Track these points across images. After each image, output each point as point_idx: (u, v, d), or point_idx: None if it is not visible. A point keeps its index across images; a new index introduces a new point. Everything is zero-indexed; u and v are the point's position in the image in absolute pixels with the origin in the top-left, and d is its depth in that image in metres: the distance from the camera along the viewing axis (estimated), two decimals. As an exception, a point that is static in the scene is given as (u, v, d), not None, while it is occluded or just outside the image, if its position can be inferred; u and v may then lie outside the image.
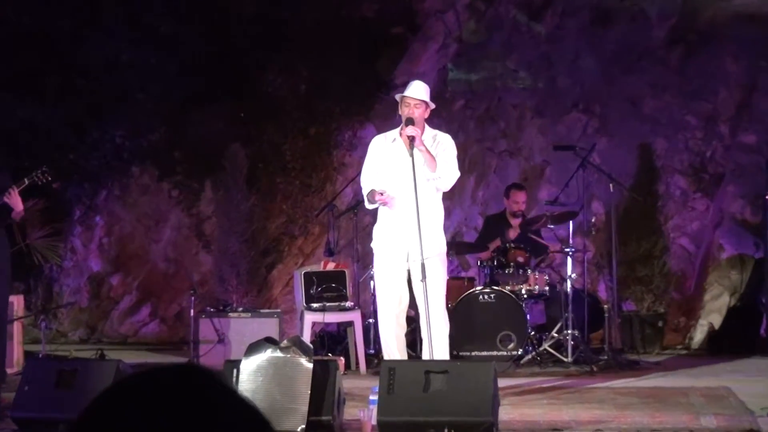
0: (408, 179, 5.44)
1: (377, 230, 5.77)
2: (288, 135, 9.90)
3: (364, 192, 5.75)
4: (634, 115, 9.33)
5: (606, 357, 7.28)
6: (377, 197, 5.59)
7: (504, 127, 9.67)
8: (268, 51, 9.90)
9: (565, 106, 9.56)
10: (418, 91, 5.64)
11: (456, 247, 8.00)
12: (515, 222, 8.18)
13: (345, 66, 9.77)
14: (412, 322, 7.60)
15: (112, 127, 9.92)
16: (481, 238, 8.31)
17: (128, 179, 10.03)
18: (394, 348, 5.62)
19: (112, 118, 9.87)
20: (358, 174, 8.71)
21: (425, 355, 5.54)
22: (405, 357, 5.75)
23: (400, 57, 9.89)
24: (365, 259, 8.84)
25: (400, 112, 5.70)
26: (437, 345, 5.48)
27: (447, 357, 5.60)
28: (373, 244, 5.79)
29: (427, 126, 5.72)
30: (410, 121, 5.54)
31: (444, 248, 5.72)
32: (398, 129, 5.73)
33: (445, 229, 9.46)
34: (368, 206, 5.78)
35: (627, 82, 9.40)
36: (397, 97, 5.71)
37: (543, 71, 9.64)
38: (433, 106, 5.70)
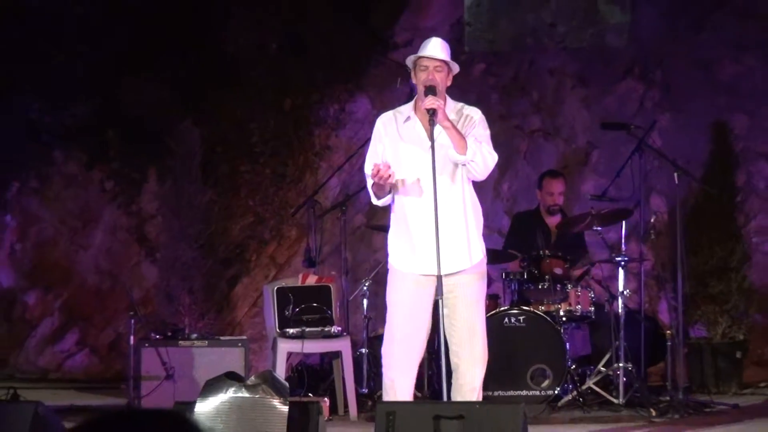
0: (429, 169, 5.41)
1: (394, 237, 5.71)
2: (255, 109, 9.95)
3: (369, 185, 5.67)
4: (707, 83, 9.39)
5: (668, 398, 7.33)
6: (374, 174, 5.46)
7: (537, 100, 9.73)
8: None
9: (616, 72, 9.62)
10: (436, 49, 5.59)
11: (474, 256, 8.05)
12: (552, 221, 8.23)
13: (329, 19, 9.81)
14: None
15: (26, 98, 9.95)
16: (508, 244, 8.36)
17: (48, 167, 10.08)
18: (405, 389, 5.59)
19: (25, 87, 9.91)
20: (346, 161, 8.86)
21: (453, 396, 5.53)
22: (410, 398, 5.77)
23: (402, 8, 9.94)
24: (356, 271, 8.90)
25: (413, 80, 5.67)
26: (473, 381, 5.50)
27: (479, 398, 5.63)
28: (390, 257, 5.72)
29: (449, 97, 5.69)
30: (431, 90, 5.45)
31: (482, 258, 5.69)
32: (411, 103, 5.71)
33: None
34: (377, 202, 5.74)
35: (697, 41, 9.46)
36: (409, 60, 5.65)
37: (588, 25, 9.71)
38: (456, 69, 5.69)
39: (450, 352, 5.54)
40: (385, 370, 5.62)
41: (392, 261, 5.68)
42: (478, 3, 9.89)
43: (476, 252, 5.61)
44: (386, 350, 5.62)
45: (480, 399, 5.62)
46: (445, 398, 5.43)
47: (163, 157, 9.47)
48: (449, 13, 9.91)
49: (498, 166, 9.91)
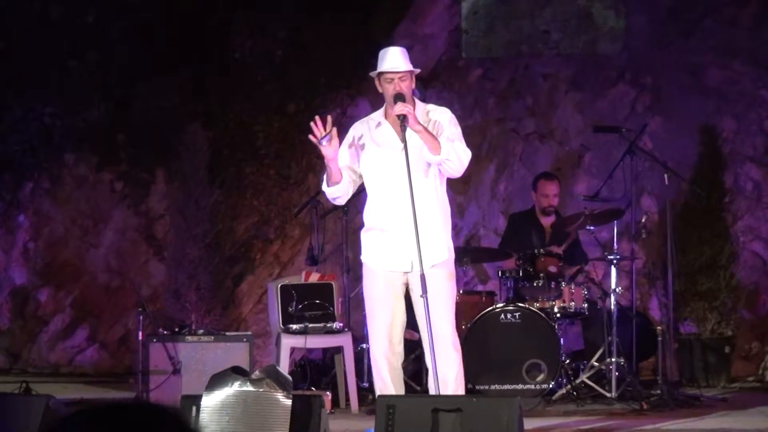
0: (402, 170, 5.43)
1: (367, 235, 5.76)
2: (260, 113, 9.93)
3: (323, 186, 5.75)
4: (696, 88, 9.37)
5: (659, 391, 7.31)
6: (318, 134, 5.48)
7: (532, 104, 9.70)
8: (235, 7, 9.93)
9: (608, 78, 9.59)
10: (396, 61, 5.59)
11: (471, 254, 8.03)
12: (546, 221, 8.21)
13: (332, 26, 9.79)
14: (416, 347, 7.63)
15: (39, 102, 9.94)
16: (504, 243, 8.34)
17: (60, 169, 10.06)
18: (388, 381, 5.64)
19: (39, 92, 9.90)
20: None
21: (432, 390, 5.56)
22: (401, 392, 5.76)
23: (401, 16, 9.92)
24: (357, 269, 8.87)
25: (380, 90, 5.69)
26: (445, 378, 5.50)
27: (460, 392, 5.63)
28: (362, 254, 5.78)
29: (417, 101, 5.72)
30: (400, 97, 5.50)
31: (451, 255, 5.71)
32: (381, 111, 5.74)
33: (458, 231, 9.60)
34: (326, 189, 5.77)
35: (687, 47, 9.44)
36: (373, 75, 5.69)
37: (581, 32, 9.68)
38: (418, 70, 5.71)
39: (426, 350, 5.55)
40: (374, 371, 5.68)
41: (364, 258, 5.71)
42: (475, 11, 9.86)
43: (444, 249, 5.62)
44: (371, 349, 5.69)
45: (462, 392, 5.61)
46: (431, 392, 5.43)
47: (171, 159, 9.45)
48: (447, 21, 9.89)
49: (494, 167, 9.93)
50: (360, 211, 9.53)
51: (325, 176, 5.71)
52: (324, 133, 5.55)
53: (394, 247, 5.58)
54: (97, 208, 10.04)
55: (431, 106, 5.75)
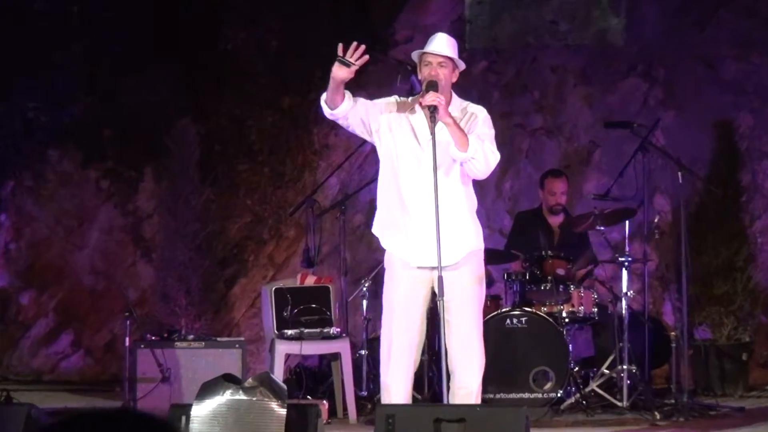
0: (427, 163, 5.41)
1: (385, 224, 5.67)
2: (253, 108, 9.92)
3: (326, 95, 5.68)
4: (711, 81, 9.36)
5: (673, 401, 7.31)
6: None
7: (539, 98, 9.70)
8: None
9: (619, 70, 9.58)
10: (441, 44, 5.61)
11: (475, 256, 8.02)
12: (554, 220, 8.21)
13: (328, 16, 9.78)
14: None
15: (22, 96, 9.93)
16: (510, 244, 8.33)
17: (43, 165, 10.04)
18: (400, 391, 5.58)
19: (22, 85, 9.88)
20: (346, 160, 8.82)
21: (452, 399, 5.51)
22: (409, 401, 5.74)
23: (402, 5, 9.92)
24: (355, 272, 8.86)
25: (419, 77, 5.69)
26: (470, 389, 5.47)
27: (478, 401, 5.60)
28: (383, 243, 5.70)
29: (454, 95, 5.70)
30: (433, 86, 5.46)
31: (480, 255, 5.67)
32: (418, 97, 5.71)
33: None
34: (326, 109, 5.75)
35: (701, 38, 9.43)
36: (415, 56, 5.69)
37: (590, 23, 9.67)
38: (462, 66, 5.69)
39: (448, 356, 5.50)
40: (383, 375, 5.62)
41: (388, 247, 5.64)
42: (479, 0, 9.85)
43: (469, 248, 5.57)
44: (382, 353, 5.62)
45: (479, 402, 5.58)
46: (445, 401, 5.40)
47: (160, 155, 9.43)
48: (450, 10, 9.88)
49: (499, 165, 9.89)
50: (358, 210, 9.55)
51: (326, 96, 5.67)
52: (351, 61, 5.52)
53: (416, 242, 5.51)
54: (82, 207, 10.03)
55: (469, 103, 5.74)
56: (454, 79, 5.66)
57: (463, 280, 5.52)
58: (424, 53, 5.61)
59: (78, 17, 9.79)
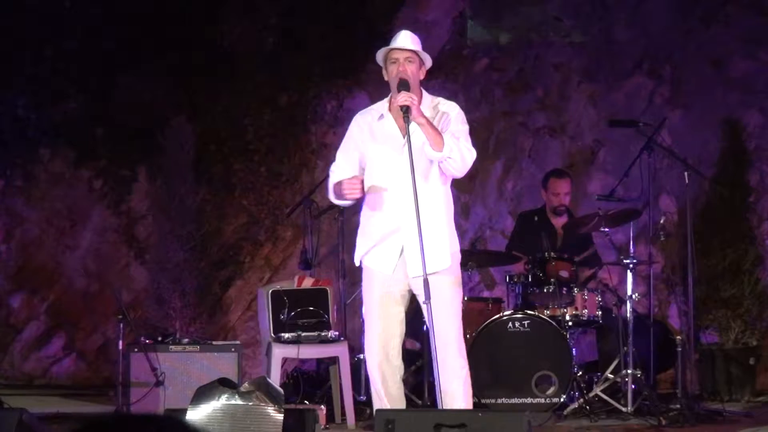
0: (404, 167, 5.43)
1: (363, 236, 5.77)
2: (250, 105, 9.93)
3: (329, 184, 5.75)
4: (718, 79, 9.38)
5: (678, 406, 7.32)
6: (346, 187, 5.54)
7: (542, 96, 9.71)
8: (223, -8, 9.95)
9: (624, 68, 9.60)
10: (405, 40, 5.62)
11: (477, 258, 8.04)
12: (558, 221, 8.22)
13: (326, 12, 9.79)
14: (417, 358, 7.64)
15: (12, 94, 9.94)
16: (512, 245, 8.34)
17: (34, 165, 10.05)
18: (383, 395, 5.64)
19: (12, 83, 9.90)
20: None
21: (438, 404, 5.56)
22: (402, 406, 5.77)
23: (402, 0, 9.92)
24: (354, 274, 8.87)
25: (386, 78, 5.70)
26: (452, 393, 5.50)
27: (466, 407, 5.63)
28: (357, 256, 5.79)
29: (425, 92, 5.72)
30: (404, 85, 5.48)
31: (457, 258, 5.73)
32: (384, 101, 5.74)
33: (463, 232, 9.58)
34: (337, 202, 5.81)
35: (708, 35, 9.44)
36: (380, 57, 5.68)
37: (595, 20, 9.69)
38: (429, 62, 5.70)
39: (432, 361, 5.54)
40: (371, 381, 5.68)
41: (363, 260, 5.71)
42: (481, -5, 9.88)
43: (449, 254, 5.62)
44: (367, 360, 5.69)
45: (469, 407, 5.61)
46: (439, 407, 5.43)
47: (154, 154, 9.45)
48: (451, 6, 9.90)
49: (502, 164, 9.92)
50: (357, 211, 9.55)
51: (334, 191, 5.69)
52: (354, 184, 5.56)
53: (395, 251, 5.58)
54: (75, 207, 10.04)
55: (440, 99, 5.74)
56: (422, 76, 5.68)
57: (443, 284, 5.55)
58: (390, 50, 5.61)
59: (70, 14, 9.80)
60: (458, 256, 5.73)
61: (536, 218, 8.28)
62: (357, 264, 5.79)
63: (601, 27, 9.69)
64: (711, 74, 9.40)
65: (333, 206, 8.30)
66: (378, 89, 9.99)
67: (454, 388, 5.57)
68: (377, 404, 5.62)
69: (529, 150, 9.65)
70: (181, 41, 9.84)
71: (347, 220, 8.08)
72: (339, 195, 5.67)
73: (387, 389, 5.63)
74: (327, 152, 9.81)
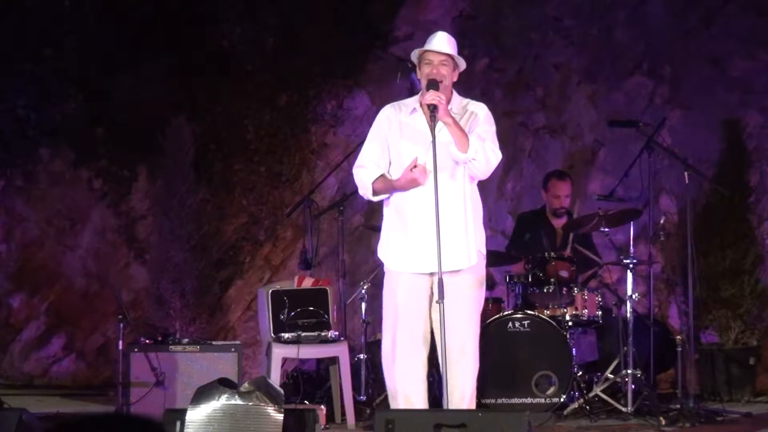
0: (428, 166, 5.43)
1: (388, 234, 5.74)
2: (250, 106, 9.93)
3: (365, 179, 5.69)
4: (718, 79, 9.37)
5: (678, 406, 7.32)
6: (405, 175, 5.49)
7: (542, 96, 9.71)
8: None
9: (624, 68, 9.60)
10: (442, 43, 5.64)
11: (477, 258, 8.03)
12: (557, 222, 8.22)
13: (326, 12, 9.79)
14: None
15: (12, 94, 9.94)
16: (512, 245, 8.35)
17: (34, 165, 10.05)
18: (419, 398, 5.61)
19: (12, 82, 9.89)
20: (344, 159, 8.82)
21: (446, 404, 5.55)
22: (426, 406, 5.75)
23: (402, 0, 9.93)
24: (354, 274, 8.87)
25: (418, 76, 5.72)
26: (463, 394, 5.50)
27: (473, 406, 5.63)
28: (383, 255, 5.75)
29: (455, 93, 5.73)
30: (434, 85, 5.50)
31: (480, 261, 5.71)
32: (417, 97, 5.74)
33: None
34: (374, 198, 5.75)
35: (708, 35, 9.44)
36: (414, 55, 5.70)
37: (595, 20, 9.69)
38: (463, 65, 5.71)
39: (440, 360, 5.53)
40: (390, 382, 5.62)
41: (386, 261, 5.70)
42: (482, -5, 9.88)
43: (474, 254, 5.61)
44: (387, 359, 5.63)
45: (473, 407, 5.61)
46: (445, 406, 5.43)
47: (154, 154, 9.45)
48: (451, 6, 9.89)
49: (502, 164, 9.89)
50: (357, 211, 9.56)
51: (370, 187, 5.65)
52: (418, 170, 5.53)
53: (417, 248, 5.56)
54: (74, 207, 10.04)
55: (470, 100, 5.76)
56: (455, 79, 5.70)
57: (465, 283, 5.55)
58: (425, 51, 5.63)
59: (70, 13, 9.80)
60: (483, 258, 5.71)
61: (536, 220, 8.29)
62: (381, 260, 5.74)
63: (601, 27, 9.68)
64: (711, 74, 9.40)
65: (333, 206, 8.32)
66: (378, 89, 10.03)
67: (466, 389, 5.56)
68: (401, 405, 5.59)
69: (529, 150, 9.65)
70: (181, 41, 9.84)
71: (347, 220, 8.09)
72: (389, 188, 5.62)
73: (422, 395, 5.60)
74: (327, 152, 9.81)
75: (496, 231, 9.45)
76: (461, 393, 5.52)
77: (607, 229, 7.61)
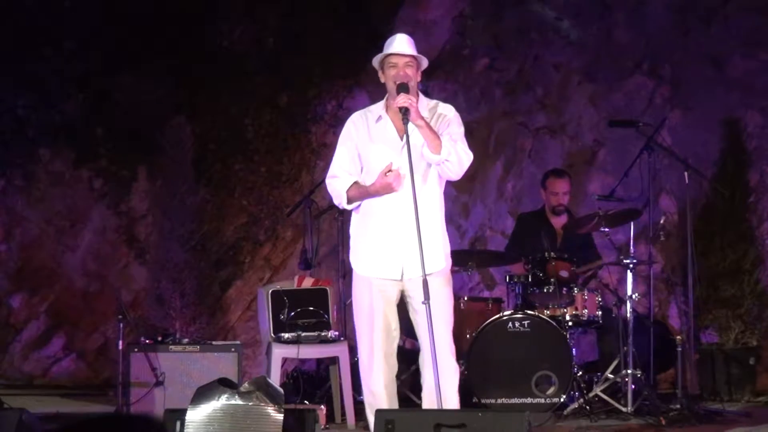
0: (402, 169, 5.45)
1: (358, 240, 5.78)
2: (250, 106, 9.93)
3: (339, 188, 5.71)
4: (718, 79, 9.37)
5: (678, 406, 7.32)
6: (379, 181, 5.52)
7: (542, 96, 9.71)
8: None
9: (624, 68, 9.60)
10: (403, 44, 5.65)
11: (477, 258, 8.04)
12: (557, 222, 8.22)
13: (327, 13, 9.80)
14: (417, 357, 7.63)
15: (12, 94, 9.94)
16: (512, 245, 8.35)
17: (34, 165, 10.05)
18: (382, 397, 5.66)
19: (12, 83, 9.89)
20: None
21: (426, 404, 5.57)
22: (395, 406, 5.78)
23: (402, 0, 9.93)
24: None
25: (383, 80, 5.72)
26: (446, 392, 5.51)
27: (455, 406, 5.65)
28: (352, 259, 5.80)
29: (421, 95, 5.74)
30: (404, 88, 5.53)
31: (449, 260, 5.76)
32: (382, 103, 5.77)
33: (463, 232, 9.59)
34: (347, 206, 5.78)
35: (708, 35, 9.44)
36: (376, 61, 5.71)
37: (595, 20, 9.69)
38: (425, 63, 5.74)
39: (425, 361, 5.56)
40: (375, 386, 5.67)
41: (355, 266, 5.73)
42: (481, -5, 9.88)
43: (444, 255, 5.66)
44: (362, 361, 5.70)
45: (457, 406, 5.63)
46: (438, 405, 5.44)
47: (154, 154, 9.45)
48: (451, 6, 9.89)
49: (501, 164, 9.92)
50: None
51: (345, 195, 5.66)
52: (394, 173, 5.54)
53: (389, 254, 5.60)
54: (74, 207, 10.04)
55: (437, 101, 5.78)
56: (419, 78, 5.72)
57: (438, 284, 5.57)
58: (388, 55, 5.64)
59: (70, 14, 9.80)
60: (450, 258, 5.76)
61: (536, 221, 8.30)
62: (354, 268, 5.79)
63: (601, 27, 9.68)
64: (711, 74, 9.40)
65: (333, 206, 8.32)
66: (378, 89, 9.98)
67: (451, 389, 5.59)
68: (370, 404, 5.63)
69: (529, 150, 9.65)
70: (181, 41, 9.84)
71: (347, 220, 8.07)
72: (364, 194, 5.64)
73: (386, 395, 5.64)
74: (327, 152, 9.80)
75: (496, 231, 9.45)
76: (446, 395, 5.53)
77: (607, 229, 7.62)
